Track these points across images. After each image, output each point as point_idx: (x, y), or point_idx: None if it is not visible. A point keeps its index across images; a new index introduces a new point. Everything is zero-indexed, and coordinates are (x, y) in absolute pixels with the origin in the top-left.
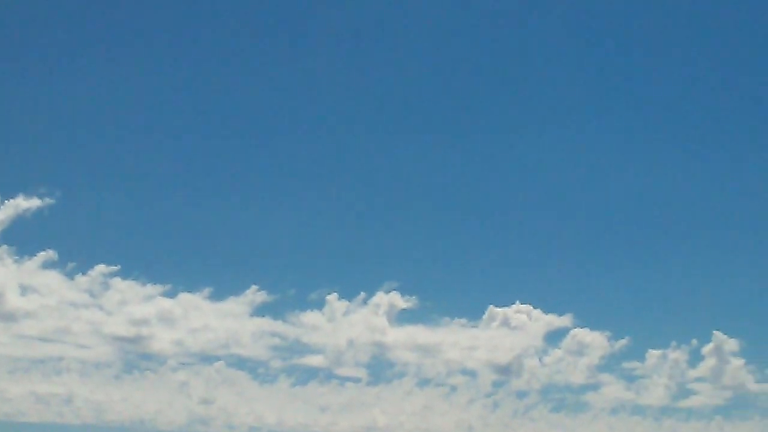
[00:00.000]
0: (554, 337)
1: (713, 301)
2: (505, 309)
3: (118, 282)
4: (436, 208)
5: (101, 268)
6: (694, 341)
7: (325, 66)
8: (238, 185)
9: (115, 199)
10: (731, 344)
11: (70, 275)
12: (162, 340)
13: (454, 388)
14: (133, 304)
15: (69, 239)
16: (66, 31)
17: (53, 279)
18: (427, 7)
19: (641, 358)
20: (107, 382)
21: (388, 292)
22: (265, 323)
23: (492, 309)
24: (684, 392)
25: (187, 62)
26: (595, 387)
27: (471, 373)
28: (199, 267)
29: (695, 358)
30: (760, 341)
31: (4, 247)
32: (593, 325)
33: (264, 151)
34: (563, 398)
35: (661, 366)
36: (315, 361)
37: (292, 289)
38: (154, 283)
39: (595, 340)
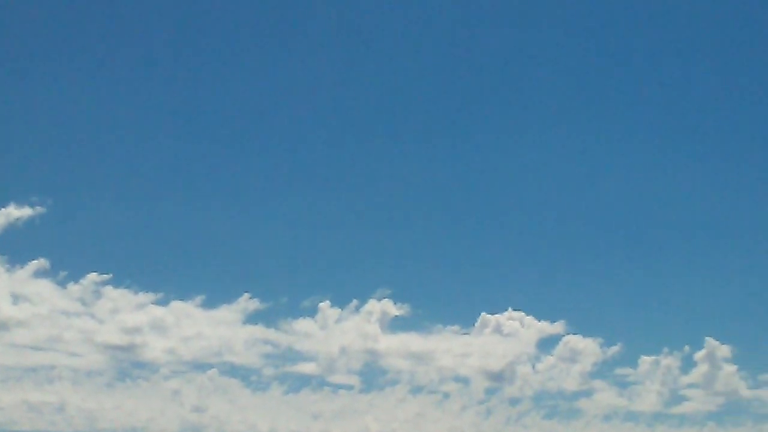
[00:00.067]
0: (547, 343)
1: (705, 308)
2: (498, 316)
3: (110, 290)
4: (428, 215)
5: (93, 276)
6: (687, 347)
7: (318, 74)
8: (229, 193)
9: (106, 207)
10: (723, 350)
11: (62, 284)
12: (154, 348)
13: (446, 395)
14: (125, 313)
15: (61, 248)
16: (58, 40)
17: (45, 287)
18: (422, 9)
19: (634, 364)
20: (99, 391)
21: (380, 299)
22: (258, 331)
23: (484, 316)
24: (676, 398)
25: (179, 70)
26: (587, 393)
27: (464, 380)
28: (192, 275)
29: (688, 365)
30: (752, 347)
31: None
32: (586, 332)
33: (256, 159)
34: (556, 405)
35: (654, 372)
36: (307, 368)
37: (285, 296)
38: (146, 291)
39: (588, 347)
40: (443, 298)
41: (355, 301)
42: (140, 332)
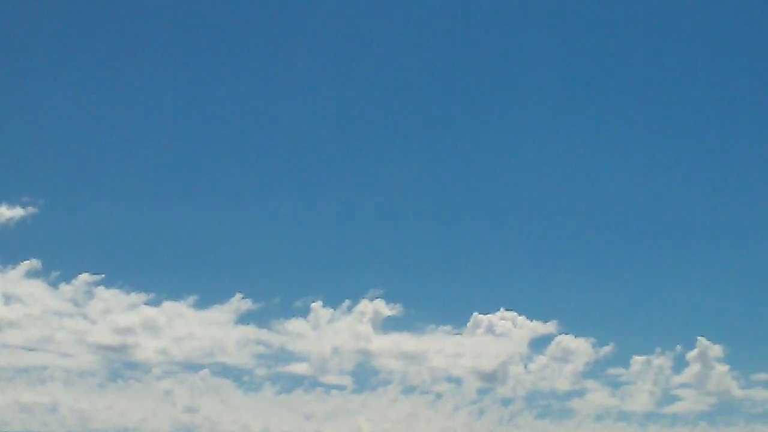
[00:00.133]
0: (539, 343)
1: (697, 307)
2: (490, 316)
3: (102, 291)
4: (420, 216)
5: (85, 276)
6: (679, 347)
7: (312, 74)
8: (222, 193)
9: (98, 207)
10: (716, 350)
11: (54, 284)
12: (146, 349)
13: (439, 396)
14: (117, 313)
15: (53, 248)
16: (47, 41)
17: (37, 288)
18: (418, 9)
19: (626, 364)
20: (91, 391)
21: (372, 299)
22: (250, 331)
23: (477, 316)
24: (669, 398)
25: (172, 70)
26: (580, 393)
27: (456, 381)
28: (184, 275)
29: (680, 364)
30: (744, 347)
31: None
32: (578, 332)
33: (248, 159)
34: (548, 405)
35: (646, 372)
36: (300, 368)
37: (277, 296)
38: (139, 292)
39: (580, 347)
40: (435, 298)
41: (347, 302)
42: (132, 332)
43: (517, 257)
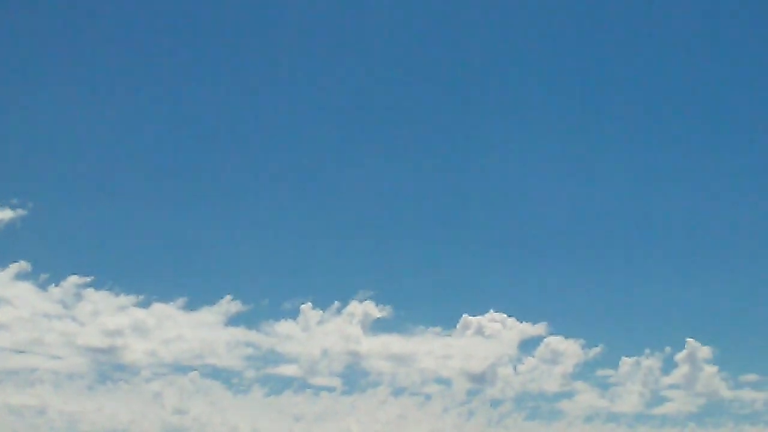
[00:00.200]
0: (528, 345)
1: (686, 309)
2: (479, 317)
3: (91, 293)
4: (410, 217)
5: (74, 279)
6: (668, 348)
7: (304, 78)
8: (211, 195)
9: (87, 209)
10: (704, 351)
11: (43, 286)
12: (135, 351)
13: (428, 397)
14: (106, 315)
15: (42, 250)
16: (37, 44)
17: (26, 290)
18: (408, 10)
19: (615, 365)
20: (81, 393)
21: (362, 301)
22: (239, 333)
23: (466, 317)
24: (658, 399)
25: (159, 73)
26: (569, 395)
27: (445, 382)
28: (173, 277)
29: (669, 366)
30: (733, 348)
31: None
32: (567, 333)
33: (238, 162)
34: (537, 406)
35: (635, 373)
36: (289, 370)
37: (266, 298)
38: (128, 294)
39: (569, 348)
40: (425, 299)
41: (336, 303)
42: (121, 335)
43: (506, 259)
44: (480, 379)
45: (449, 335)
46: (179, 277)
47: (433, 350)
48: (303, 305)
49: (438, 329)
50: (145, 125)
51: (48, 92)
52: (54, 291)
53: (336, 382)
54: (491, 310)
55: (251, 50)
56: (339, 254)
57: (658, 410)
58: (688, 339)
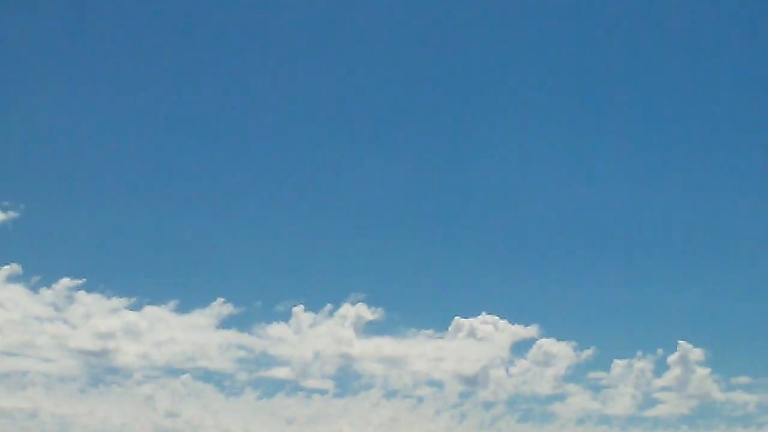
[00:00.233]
0: (520, 347)
1: (678, 311)
2: (472, 320)
3: (83, 295)
4: (401, 220)
5: (66, 281)
6: (660, 351)
7: (296, 78)
8: (203, 198)
9: (79, 212)
10: (696, 353)
11: (35, 289)
12: (127, 354)
13: (420, 400)
14: (98, 318)
15: (33, 253)
16: (27, 47)
17: (17, 293)
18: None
19: (607, 368)
20: (72, 396)
21: (354, 303)
22: (231, 335)
23: (458, 320)
24: (649, 402)
25: (150, 74)
26: (561, 397)
27: (438, 385)
28: (165, 280)
29: (660, 368)
30: (725, 350)
31: None
32: (559, 336)
33: (229, 164)
34: (530, 409)
35: (627, 376)
36: (281, 373)
37: (258, 301)
38: (120, 296)
39: (561, 351)
40: (417, 302)
41: (329, 306)
42: (113, 337)
43: (498, 261)
44: (472, 381)
45: (441, 337)
46: (171, 279)
47: (425, 352)
48: (295, 308)
49: (430, 331)
50: (136, 128)
51: (39, 95)
52: (46, 293)
53: (328, 384)
54: (483, 313)
55: (242, 49)
56: (331, 257)
57: (650, 412)
58: (680, 341)
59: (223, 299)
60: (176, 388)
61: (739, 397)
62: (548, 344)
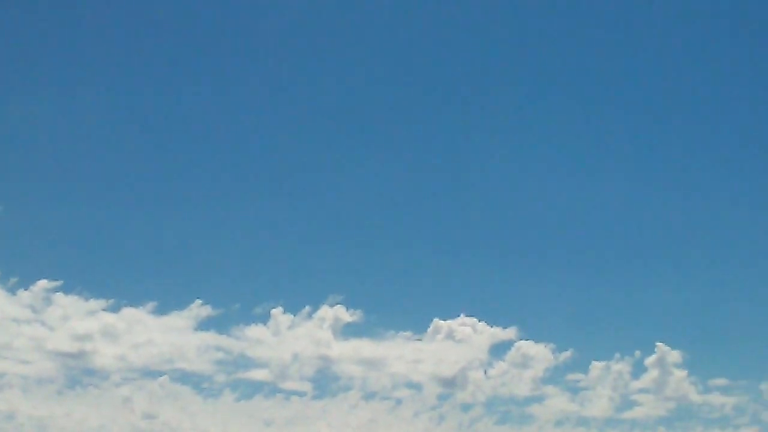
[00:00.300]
0: (499, 349)
1: (656, 313)
2: (450, 322)
3: (60, 297)
4: (380, 221)
5: (43, 283)
6: (638, 353)
7: (272, 80)
8: (181, 199)
9: (56, 213)
10: (674, 355)
11: (12, 291)
12: (105, 355)
13: (399, 402)
14: (75, 320)
15: (10, 254)
16: (7, 48)
17: None
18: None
19: (585, 369)
20: (50, 398)
21: (332, 305)
22: (210, 337)
23: (437, 322)
24: (627, 403)
25: (128, 76)
26: (539, 399)
27: (416, 387)
28: (143, 281)
29: (638, 370)
30: (702, 352)
31: None
32: (537, 338)
33: (207, 166)
34: (508, 411)
35: (605, 377)
36: (260, 375)
37: (237, 302)
38: (97, 298)
39: (540, 353)
40: (395, 304)
41: (307, 308)
42: (91, 339)
43: (477, 263)
44: (450, 383)
45: (420, 339)
46: (149, 281)
47: (403, 355)
48: (273, 310)
49: (409, 333)
50: (114, 129)
51: (14, 96)
52: (23, 295)
53: (307, 386)
54: (462, 315)
55: (225, 50)
56: (309, 258)
57: (628, 414)
58: (658, 343)
59: (201, 301)
60: (154, 390)
61: (717, 399)
62: (526, 346)
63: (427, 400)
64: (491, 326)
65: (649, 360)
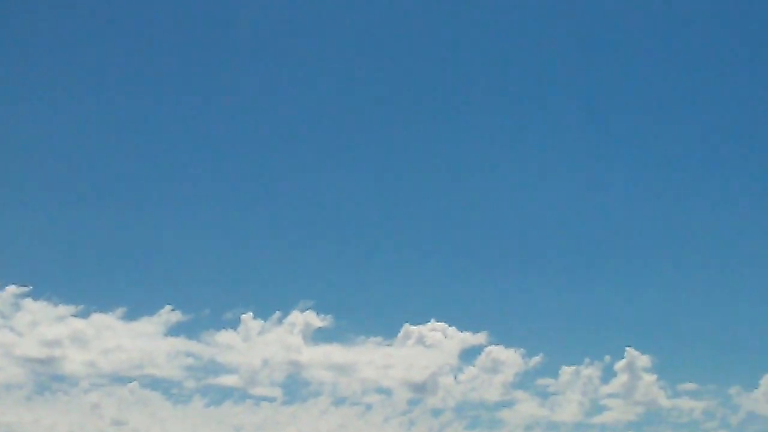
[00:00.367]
0: (469, 354)
1: (626, 318)
2: (420, 327)
3: (29, 303)
4: (350, 227)
5: (12, 289)
6: (607, 357)
7: (245, 83)
8: (151, 204)
9: (25, 219)
10: (643, 360)
11: None
12: (74, 361)
13: (369, 407)
14: (44, 325)
15: None
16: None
17: None
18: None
19: (555, 374)
20: (18, 404)
21: (303, 310)
22: (180, 343)
23: (407, 327)
24: (597, 408)
25: (102, 76)
26: (509, 404)
27: (386, 392)
28: (112, 287)
29: (608, 375)
30: (671, 357)
31: None
32: (507, 343)
33: (177, 170)
34: (478, 416)
35: (575, 382)
36: (230, 380)
37: (207, 308)
38: (66, 304)
39: (510, 358)
40: (366, 309)
41: (277, 313)
42: (60, 345)
43: (447, 268)
44: (421, 388)
45: (390, 345)
46: (118, 286)
47: (374, 360)
48: (243, 315)
49: (379, 339)
50: (83, 132)
51: None
52: None
53: (277, 392)
54: (432, 320)
55: (196, 52)
56: (280, 264)
57: (598, 419)
58: (627, 348)
59: (171, 306)
60: (123, 396)
61: (686, 403)
62: (496, 351)
63: (398, 406)
64: (461, 331)
65: (619, 365)
